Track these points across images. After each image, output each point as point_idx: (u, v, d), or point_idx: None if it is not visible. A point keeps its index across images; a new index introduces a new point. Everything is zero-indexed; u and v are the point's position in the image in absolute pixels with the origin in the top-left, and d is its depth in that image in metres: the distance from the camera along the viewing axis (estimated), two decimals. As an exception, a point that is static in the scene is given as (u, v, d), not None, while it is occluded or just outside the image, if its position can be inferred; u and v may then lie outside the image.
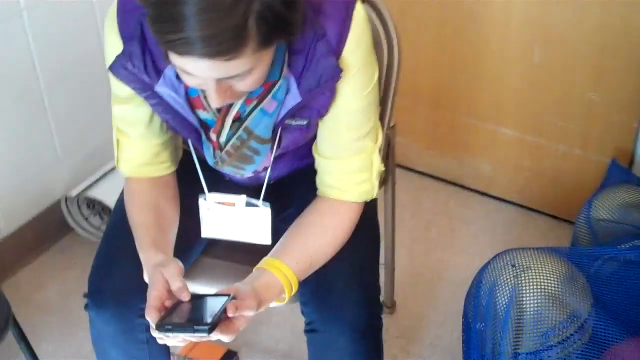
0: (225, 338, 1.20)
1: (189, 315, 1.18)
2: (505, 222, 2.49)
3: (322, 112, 1.32)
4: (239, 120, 1.30)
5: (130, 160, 1.44)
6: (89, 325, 1.45)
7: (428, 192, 2.62)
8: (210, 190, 1.45)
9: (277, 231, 1.45)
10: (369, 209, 1.48)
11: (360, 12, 1.27)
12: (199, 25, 1.02)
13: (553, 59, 2.22)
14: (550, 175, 2.43)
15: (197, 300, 1.23)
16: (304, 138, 1.39)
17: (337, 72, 1.25)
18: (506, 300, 1.58)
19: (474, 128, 2.49)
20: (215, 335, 1.18)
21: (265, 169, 1.43)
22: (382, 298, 2.12)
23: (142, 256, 1.33)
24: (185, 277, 1.55)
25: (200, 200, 1.46)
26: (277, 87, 1.27)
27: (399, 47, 1.57)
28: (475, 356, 1.59)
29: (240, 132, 1.31)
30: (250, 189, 1.51)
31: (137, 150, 1.43)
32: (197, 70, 1.10)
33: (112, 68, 1.28)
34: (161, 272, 1.25)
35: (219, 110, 1.31)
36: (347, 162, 1.38)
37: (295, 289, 1.34)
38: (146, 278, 1.30)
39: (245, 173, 1.40)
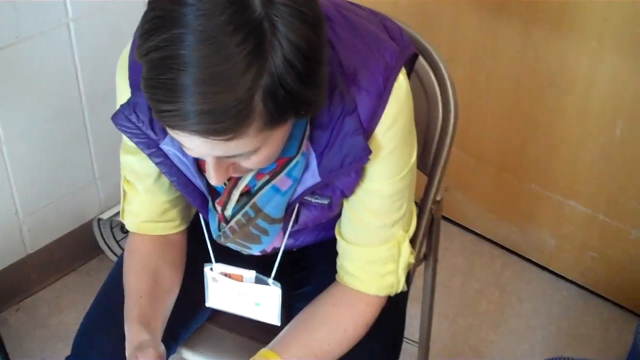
0: None
1: None
2: (563, 304, 2.26)
3: (347, 193, 1.15)
4: (247, 194, 1.14)
5: (136, 214, 1.30)
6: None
7: (483, 259, 2.41)
8: (218, 258, 1.30)
9: (292, 308, 1.29)
10: (395, 300, 1.29)
11: (402, 86, 1.09)
12: (195, 99, 0.85)
13: (637, 136, 1.99)
14: (620, 260, 2.19)
15: None
16: (326, 216, 1.23)
17: (365, 154, 1.07)
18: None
19: (541, 197, 2.27)
20: None
21: (276, 249, 1.26)
22: (412, 377, 1.94)
23: (126, 330, 1.19)
24: (186, 345, 1.43)
25: (206, 269, 1.31)
26: (292, 164, 1.10)
27: (456, 104, 1.39)
28: None
29: (247, 208, 1.15)
30: (265, 260, 1.34)
31: (143, 206, 1.29)
32: (192, 146, 0.94)
33: (115, 119, 1.14)
34: (137, 358, 1.10)
35: (229, 178, 1.15)
36: (372, 250, 1.21)
37: (292, 388, 1.17)
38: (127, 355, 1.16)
39: (252, 252, 1.24)
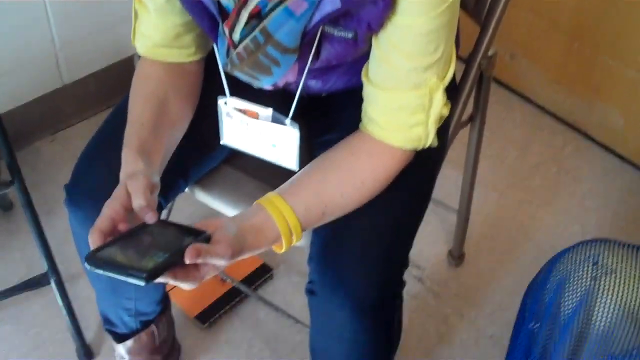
0: (184, 285, 0.95)
1: (136, 250, 0.92)
2: (624, 189, 2.09)
3: (374, 26, 1.00)
4: (258, 17, 1.00)
5: (148, 37, 1.18)
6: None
7: (543, 133, 2.24)
8: (235, 94, 1.17)
9: (314, 157, 1.17)
10: (424, 158, 1.16)
11: None
12: None
13: None
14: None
15: (159, 230, 0.98)
16: (352, 53, 1.08)
17: None
18: (574, 303, 1.25)
19: (615, 72, 2.06)
20: (165, 280, 0.93)
21: (289, 84, 1.12)
22: (449, 246, 1.83)
23: (123, 157, 1.08)
24: (200, 185, 1.33)
25: (220, 102, 1.19)
26: None
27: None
28: (518, 358, 1.29)
29: (256, 32, 1.00)
30: (287, 100, 1.21)
31: (155, 28, 1.16)
32: None
33: None
34: (126, 186, 1.00)
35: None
36: (399, 96, 1.06)
37: (297, 238, 1.06)
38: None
39: (261, 85, 1.10)
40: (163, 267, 0.90)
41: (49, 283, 1.58)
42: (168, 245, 0.94)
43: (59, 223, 1.81)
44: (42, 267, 1.56)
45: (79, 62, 2.10)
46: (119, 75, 2.17)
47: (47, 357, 1.64)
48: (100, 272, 0.89)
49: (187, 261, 0.90)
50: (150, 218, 0.97)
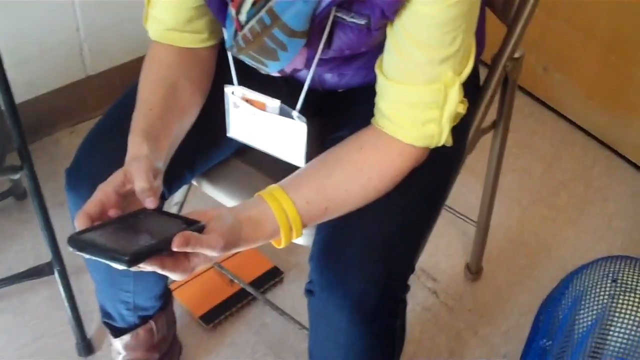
0: (173, 275, 0.90)
1: (122, 235, 0.88)
2: (655, 211, 2.01)
3: (388, 13, 0.95)
4: None
5: (160, 20, 1.15)
6: (68, 206, 1.21)
7: (573, 149, 2.17)
8: (243, 84, 1.13)
9: (324, 154, 1.11)
10: (439, 159, 1.10)
11: None
12: None
13: None
14: None
15: (151, 218, 0.93)
16: (365, 43, 1.03)
17: None
18: (589, 320, 1.18)
19: (653, 88, 1.99)
20: (153, 268, 0.88)
21: (297, 71, 1.07)
22: (467, 260, 1.77)
23: (129, 141, 1.04)
24: (207, 177, 1.29)
25: (227, 91, 1.14)
26: None
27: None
28: (528, 377, 1.22)
29: (262, 13, 0.96)
30: (297, 93, 1.16)
31: (168, 10, 1.13)
32: None
33: None
34: (124, 170, 0.96)
35: None
36: (413, 89, 1.01)
37: (297, 234, 1.02)
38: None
39: (268, 70, 1.05)
40: (148, 252, 0.85)
41: (52, 273, 1.55)
42: (158, 232, 0.89)
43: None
44: (49, 257, 1.53)
45: (103, 54, 2.08)
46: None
47: (46, 349, 1.60)
48: (84, 254, 0.85)
49: (174, 248, 0.86)
50: (150, 203, 0.93)
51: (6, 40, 1.84)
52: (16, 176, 1.68)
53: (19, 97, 1.53)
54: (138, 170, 0.95)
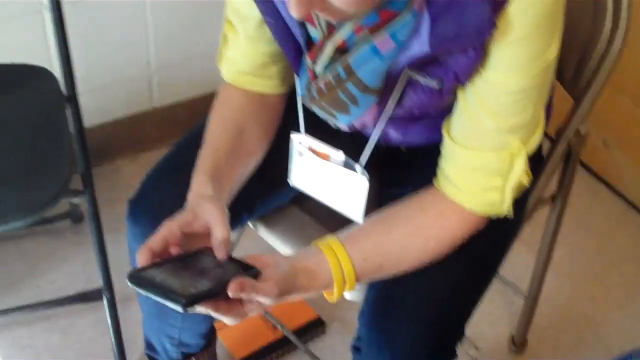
0: (225, 320, 0.91)
1: (181, 275, 0.89)
2: None
3: (462, 77, 0.96)
4: (343, 51, 0.98)
5: (234, 62, 1.18)
6: (127, 235, 1.24)
7: (628, 229, 2.14)
8: (310, 133, 1.15)
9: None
10: (497, 229, 1.09)
11: None
12: None
13: None
14: None
15: (209, 260, 0.94)
16: (435, 105, 1.04)
17: (487, 27, 0.88)
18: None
19: None
20: (207, 311, 0.89)
21: (366, 127, 1.09)
22: (512, 330, 1.74)
23: (193, 180, 1.06)
24: (264, 221, 1.30)
25: (293, 138, 1.16)
26: (398, 22, 0.92)
27: (629, 18, 1.16)
28: None
29: (338, 67, 0.98)
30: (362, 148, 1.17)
31: (242, 54, 1.16)
32: None
33: None
34: (195, 209, 0.97)
35: (328, 30, 0.99)
36: (479, 155, 1.02)
37: (350, 288, 1.02)
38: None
39: (337, 123, 1.07)
40: (204, 296, 0.86)
41: (101, 299, 1.57)
42: (215, 276, 0.90)
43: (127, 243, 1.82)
44: (100, 282, 1.56)
45: (171, 88, 2.13)
46: (209, 106, 2.19)
47: (86, 374, 1.62)
48: (141, 291, 0.86)
49: (230, 294, 0.87)
50: (223, 254, 0.94)
51: (81, 68, 1.89)
52: (77, 200, 1.72)
53: (87, 122, 1.57)
54: (217, 219, 0.96)
